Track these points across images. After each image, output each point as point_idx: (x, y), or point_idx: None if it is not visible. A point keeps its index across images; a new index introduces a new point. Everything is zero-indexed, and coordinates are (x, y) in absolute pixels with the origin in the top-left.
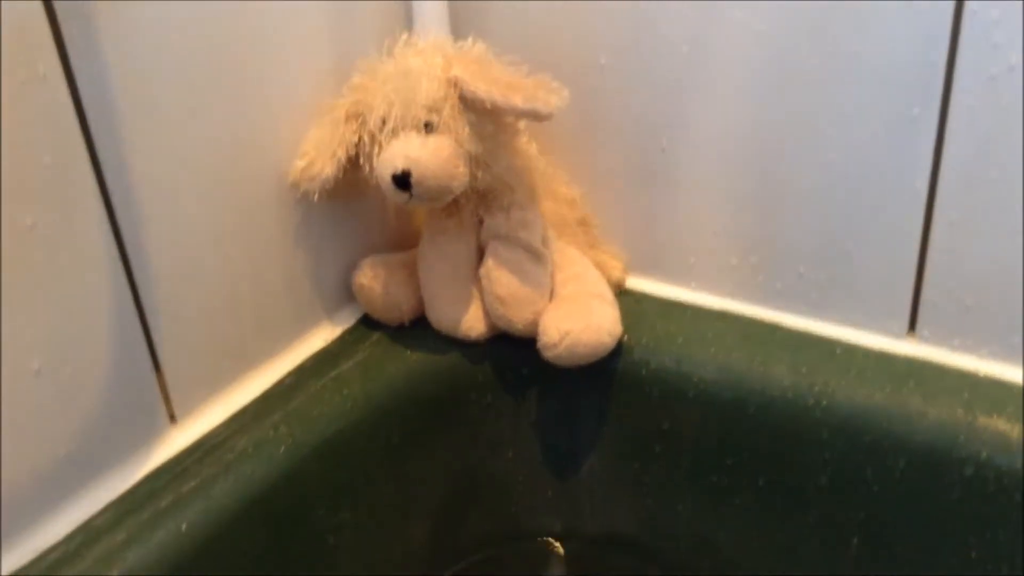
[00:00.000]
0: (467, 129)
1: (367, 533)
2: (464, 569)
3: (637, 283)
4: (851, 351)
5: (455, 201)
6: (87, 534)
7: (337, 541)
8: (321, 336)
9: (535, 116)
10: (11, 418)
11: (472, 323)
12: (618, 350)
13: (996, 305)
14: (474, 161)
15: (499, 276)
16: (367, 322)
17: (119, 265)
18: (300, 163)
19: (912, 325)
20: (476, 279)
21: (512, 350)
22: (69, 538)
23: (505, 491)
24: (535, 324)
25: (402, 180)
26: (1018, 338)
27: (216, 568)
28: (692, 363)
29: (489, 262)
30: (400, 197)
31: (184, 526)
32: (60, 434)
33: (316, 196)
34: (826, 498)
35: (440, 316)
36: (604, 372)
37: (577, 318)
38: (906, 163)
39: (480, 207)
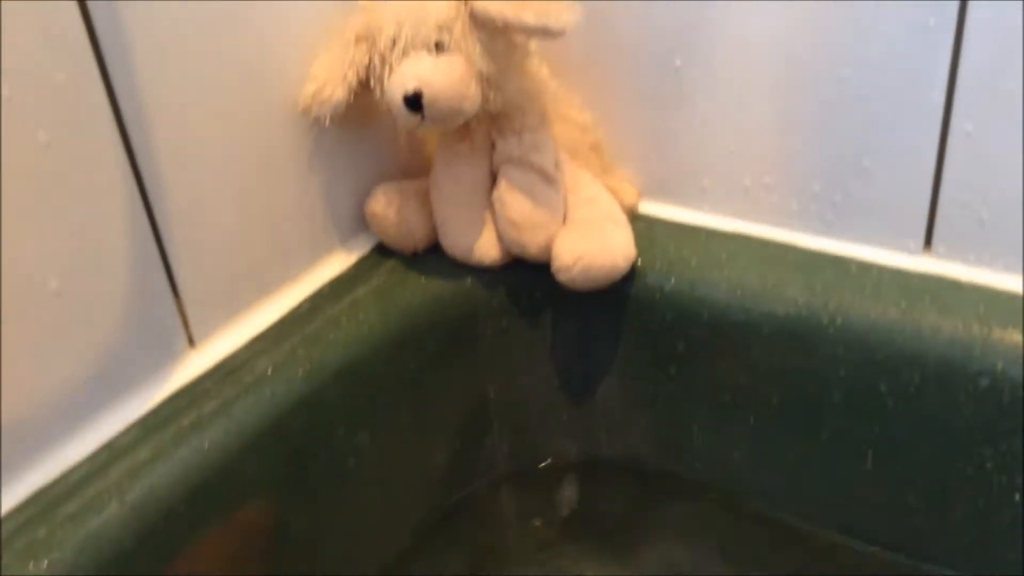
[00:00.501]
0: (478, 48)
1: (386, 457)
2: (478, 492)
3: (650, 207)
4: (866, 269)
5: (467, 125)
6: (111, 452)
7: (357, 463)
8: (336, 263)
9: (546, 33)
10: (33, 337)
11: (486, 248)
12: (632, 273)
13: (1012, 218)
14: (486, 82)
15: (512, 200)
16: (381, 250)
17: (134, 187)
18: (310, 87)
19: (928, 241)
20: (489, 204)
21: (526, 275)
22: (93, 456)
23: (521, 416)
24: (548, 248)
25: (413, 101)
26: None
27: (238, 486)
28: (706, 285)
29: (502, 186)
30: (411, 120)
31: (206, 444)
32: (82, 355)
33: (327, 120)
34: (840, 415)
35: (453, 242)
36: (618, 296)
37: (591, 241)
38: (922, 75)
39: (492, 130)
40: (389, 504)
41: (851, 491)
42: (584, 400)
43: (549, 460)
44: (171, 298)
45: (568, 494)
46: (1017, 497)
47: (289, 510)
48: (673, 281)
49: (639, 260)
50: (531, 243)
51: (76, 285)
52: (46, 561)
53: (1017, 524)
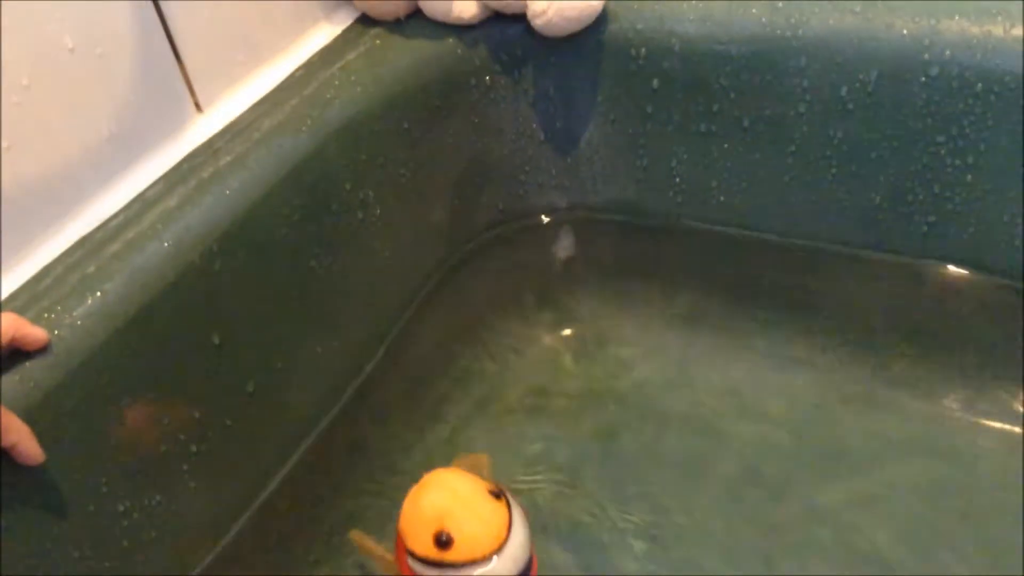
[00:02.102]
0: None
1: (389, 210)
2: (479, 247)
3: None
4: None
5: None
6: (142, 203)
7: (365, 216)
8: (322, 34)
9: None
10: (57, 92)
11: (463, 5)
12: (604, 17)
13: None
14: None
15: None
16: (364, 20)
17: None
18: None
19: None
20: None
21: (504, 32)
22: (127, 207)
23: (512, 171)
24: None
25: None
26: None
27: (262, 229)
28: (675, 19)
29: None
30: None
31: (227, 191)
32: (102, 113)
33: None
34: (805, 125)
35: (432, 2)
36: (592, 41)
37: None
38: None
39: None
40: (399, 255)
41: (821, 199)
42: (570, 151)
43: (543, 213)
44: (176, 65)
45: (564, 243)
46: (969, 178)
47: (310, 255)
48: (644, 19)
49: (610, 3)
50: None
51: (88, 45)
52: (99, 292)
53: (969, 203)
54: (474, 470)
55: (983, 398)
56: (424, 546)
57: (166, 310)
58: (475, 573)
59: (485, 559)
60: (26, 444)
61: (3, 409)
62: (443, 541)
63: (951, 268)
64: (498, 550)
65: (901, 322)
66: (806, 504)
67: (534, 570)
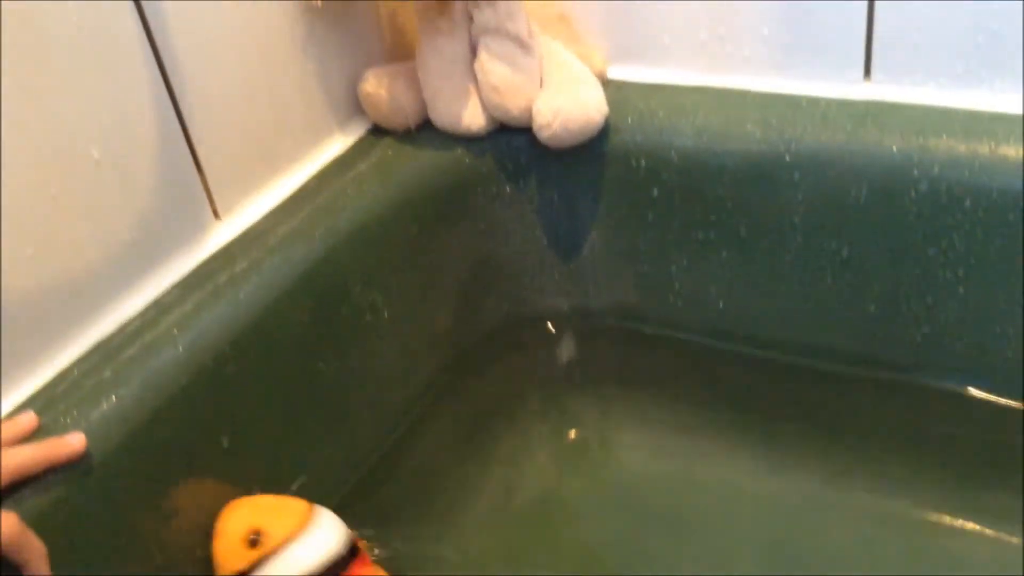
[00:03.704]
0: None
1: (397, 314)
2: (483, 349)
3: (618, 72)
4: (815, 102)
5: (445, 1)
6: (159, 308)
7: (373, 319)
8: (336, 144)
9: None
10: (82, 201)
11: (472, 118)
12: (606, 130)
13: (941, 38)
14: None
15: (493, 67)
16: (376, 131)
17: (156, 69)
18: None
19: (867, 71)
20: (472, 76)
21: (511, 142)
22: (144, 312)
23: (515, 275)
24: (529, 110)
25: None
26: (962, 66)
27: (274, 332)
28: (673, 132)
29: (482, 56)
30: None
31: (242, 296)
32: (124, 221)
33: (320, 2)
34: (800, 236)
35: (442, 114)
36: (595, 152)
37: (567, 99)
38: None
39: (469, 3)
40: (405, 358)
41: (816, 308)
42: (572, 256)
43: (545, 316)
44: (196, 174)
45: (566, 347)
46: (960, 290)
47: (319, 357)
48: (644, 132)
49: (612, 117)
50: (513, 106)
51: (114, 157)
52: (114, 396)
53: (962, 315)
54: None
55: (979, 509)
56: (238, 557)
57: (179, 414)
58: (292, 551)
59: (300, 531)
60: (36, 565)
61: (24, 527)
62: (254, 540)
63: (945, 380)
64: (309, 525)
65: (897, 433)
66: None
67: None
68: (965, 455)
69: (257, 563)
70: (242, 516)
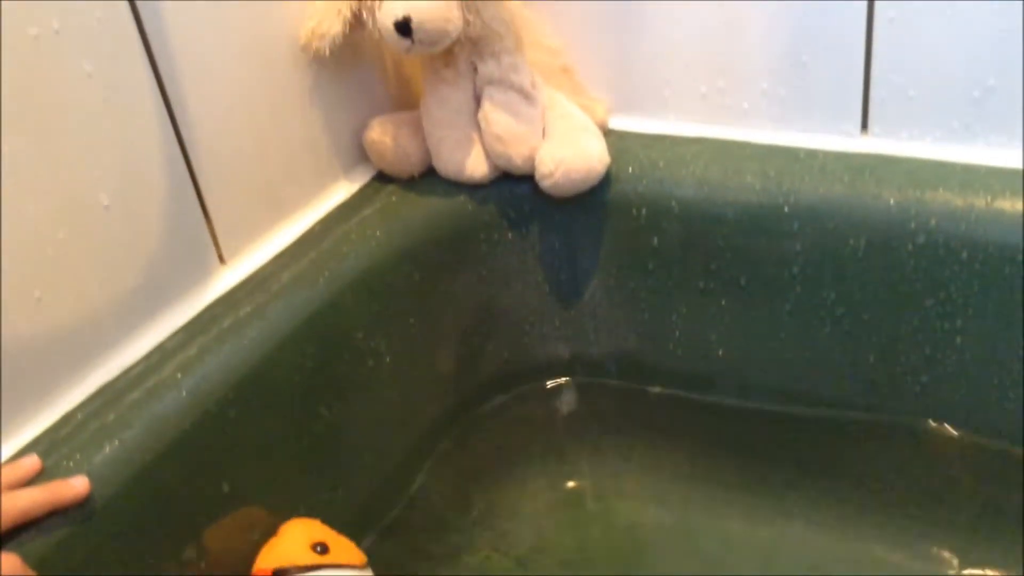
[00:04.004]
0: None
1: (399, 359)
2: (484, 397)
3: (619, 122)
4: (813, 154)
5: (450, 52)
6: (163, 352)
7: (376, 364)
8: (342, 190)
9: None
10: (92, 247)
11: (475, 165)
12: (607, 179)
13: (936, 93)
14: (465, 7)
15: (496, 117)
16: (381, 178)
17: (166, 117)
18: (310, 24)
19: (864, 124)
20: (476, 125)
21: (513, 190)
22: (148, 356)
23: (517, 322)
24: (532, 159)
25: (403, 26)
26: (957, 120)
27: (276, 377)
28: (674, 183)
29: (486, 106)
30: (402, 44)
31: (245, 341)
32: (132, 266)
33: (327, 52)
34: (799, 285)
35: (446, 162)
36: (596, 201)
37: (569, 149)
38: None
39: (473, 55)
40: (407, 404)
41: (816, 357)
42: (573, 303)
43: (545, 363)
44: (203, 220)
45: (566, 394)
46: (958, 340)
47: (321, 402)
48: (645, 182)
49: (613, 167)
50: (516, 155)
51: (123, 202)
52: (117, 440)
53: (960, 365)
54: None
55: (979, 557)
56: (302, 555)
57: (181, 458)
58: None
59: (361, 567)
60: None
61: (26, 569)
62: (321, 548)
63: (945, 427)
64: (367, 564)
65: (896, 481)
66: None
67: None
68: (967, 503)
69: (319, 567)
70: (311, 527)
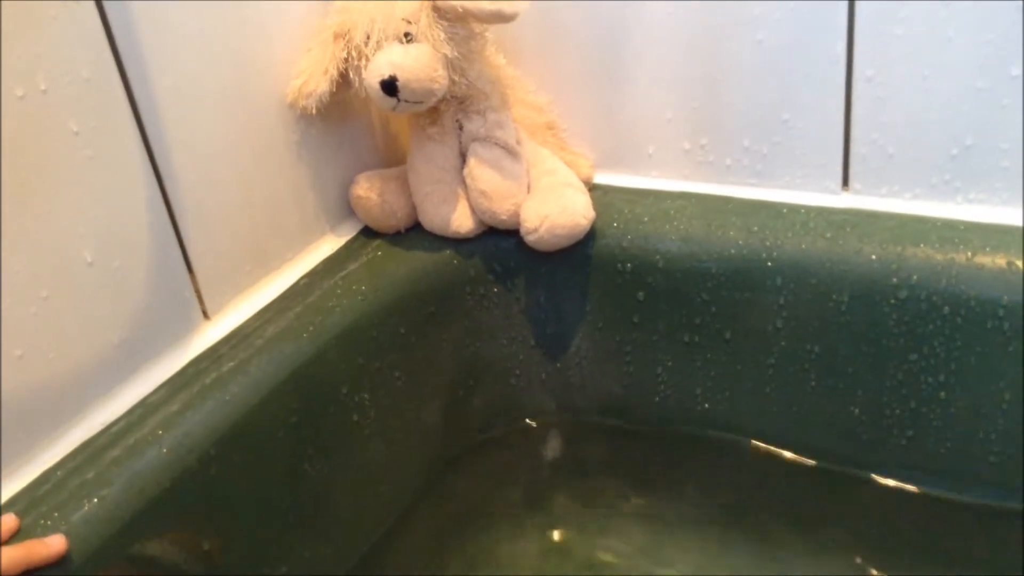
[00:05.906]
0: (442, 35)
1: (384, 413)
2: (469, 448)
3: (604, 178)
4: (795, 210)
5: (436, 109)
6: (145, 408)
7: (360, 419)
8: (327, 245)
9: (501, 17)
10: (75, 303)
11: (461, 220)
12: (592, 234)
13: (915, 150)
14: (451, 66)
15: (481, 173)
16: (367, 232)
17: (151, 175)
18: (296, 82)
19: (845, 181)
20: (461, 181)
21: (498, 245)
22: (130, 412)
23: (502, 375)
24: (516, 215)
25: (389, 85)
26: (937, 176)
27: (259, 433)
28: (658, 238)
29: (471, 162)
30: (388, 103)
31: (228, 397)
32: (114, 322)
33: (313, 110)
34: (784, 339)
35: (431, 217)
36: (581, 255)
37: (553, 204)
38: (825, 30)
39: (459, 113)
40: (391, 458)
41: (801, 410)
42: (559, 356)
43: (531, 414)
44: (187, 275)
45: (552, 446)
46: (942, 395)
47: (304, 458)
48: (629, 237)
49: (598, 222)
50: (501, 211)
51: (106, 258)
52: (96, 498)
53: (945, 419)
54: None
55: None
56: None
57: (161, 516)
58: None
59: None
60: None
61: None
62: None
63: (932, 483)
64: None
65: (882, 533)
66: None
67: None
68: (954, 557)
69: None
70: None
